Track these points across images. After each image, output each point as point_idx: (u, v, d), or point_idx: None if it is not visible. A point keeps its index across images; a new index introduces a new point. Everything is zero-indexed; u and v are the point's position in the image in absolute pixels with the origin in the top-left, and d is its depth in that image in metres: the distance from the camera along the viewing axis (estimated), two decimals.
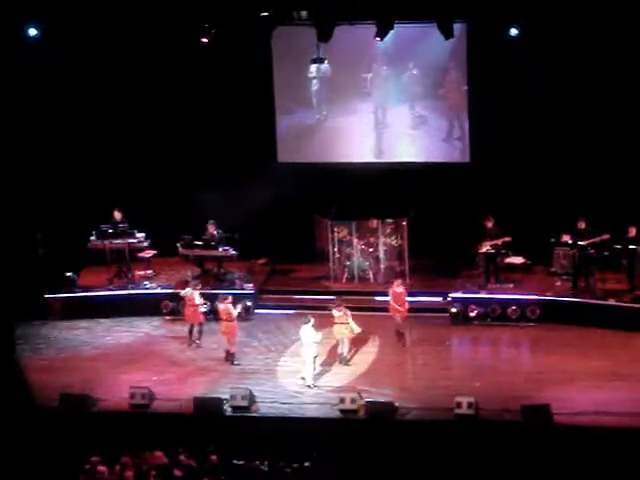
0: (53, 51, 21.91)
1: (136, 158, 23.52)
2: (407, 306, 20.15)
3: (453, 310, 21.15)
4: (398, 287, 20.10)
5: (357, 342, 19.85)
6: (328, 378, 18.91)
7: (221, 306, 19.68)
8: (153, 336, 21.31)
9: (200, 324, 20.46)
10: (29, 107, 22.44)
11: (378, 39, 21.33)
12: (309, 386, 18.52)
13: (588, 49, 21.08)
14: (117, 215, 22.64)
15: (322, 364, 19.24)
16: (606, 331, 20.20)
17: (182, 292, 20.64)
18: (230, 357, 19.70)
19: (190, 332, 20.55)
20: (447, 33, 20.80)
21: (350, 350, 19.59)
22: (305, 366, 18.69)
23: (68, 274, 22.42)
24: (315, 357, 18.77)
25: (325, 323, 19.39)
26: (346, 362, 19.42)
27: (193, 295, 20.39)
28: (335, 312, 19.30)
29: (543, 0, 20.28)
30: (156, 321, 21.93)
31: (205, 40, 21.68)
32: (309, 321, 18.69)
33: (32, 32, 21.65)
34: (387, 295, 20.39)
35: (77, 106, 23.12)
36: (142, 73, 23.06)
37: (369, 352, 19.94)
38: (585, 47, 21.06)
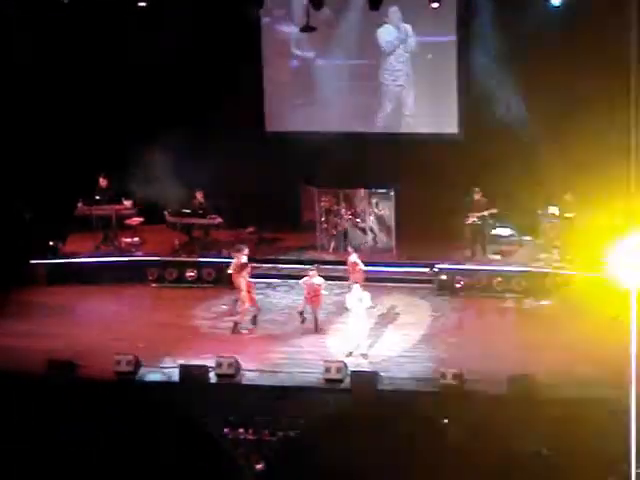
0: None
1: (123, 125, 23.43)
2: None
3: (442, 277, 21.20)
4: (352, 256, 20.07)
5: (338, 312, 19.89)
6: (316, 348, 18.99)
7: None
8: (139, 303, 21.29)
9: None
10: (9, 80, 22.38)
11: None
12: (363, 355, 18.32)
13: (575, 21, 21.13)
14: (103, 182, 22.58)
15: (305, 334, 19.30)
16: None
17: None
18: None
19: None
20: None
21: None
22: (354, 337, 18.46)
23: (51, 242, 22.35)
24: (364, 327, 18.56)
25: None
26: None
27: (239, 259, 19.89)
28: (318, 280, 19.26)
29: None
30: (142, 288, 21.93)
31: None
32: (357, 289, 18.46)
33: None
34: (369, 265, 20.47)
35: (60, 75, 23.01)
36: (122, 39, 22.94)
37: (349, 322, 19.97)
38: (572, 19, 21.10)
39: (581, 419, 15.66)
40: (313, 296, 19.33)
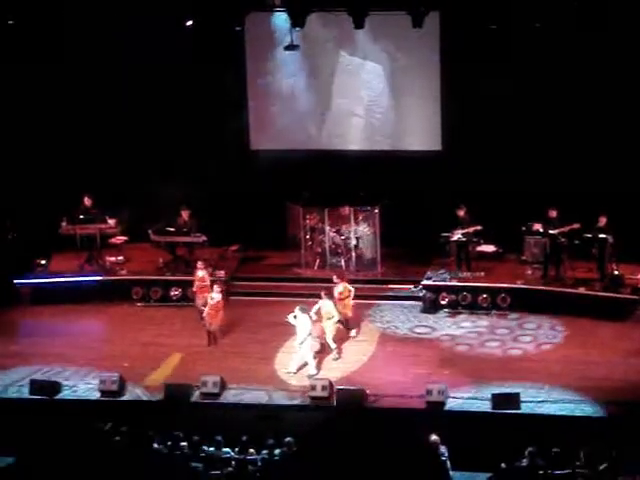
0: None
1: (107, 143, 23.44)
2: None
3: (427, 294, 21.20)
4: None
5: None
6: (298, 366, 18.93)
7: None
8: (124, 322, 21.23)
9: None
10: None
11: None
12: (290, 372, 18.37)
13: (559, 40, 21.24)
14: (87, 201, 22.52)
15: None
16: (576, 319, 20.35)
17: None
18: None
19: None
20: (417, 22, 20.77)
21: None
22: (302, 358, 18.48)
23: (42, 262, 22.30)
24: (307, 348, 18.54)
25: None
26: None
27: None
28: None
29: None
30: (127, 307, 21.87)
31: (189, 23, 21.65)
32: (305, 310, 18.47)
33: None
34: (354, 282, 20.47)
35: (47, 93, 23.01)
36: (117, 58, 22.97)
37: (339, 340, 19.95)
38: (556, 38, 21.21)
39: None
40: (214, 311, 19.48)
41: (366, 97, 23.54)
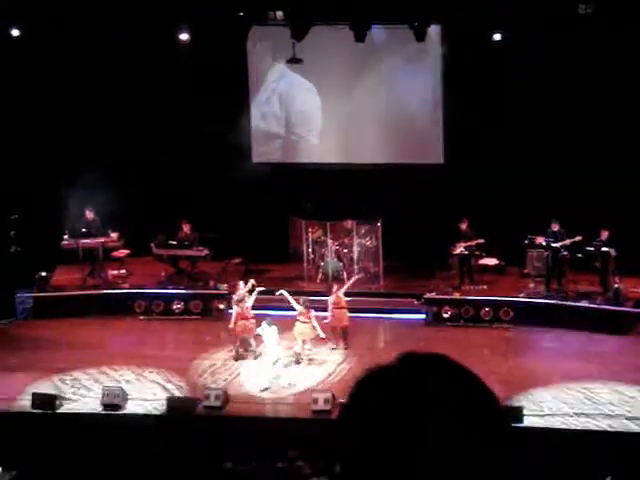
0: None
1: (109, 156, 23.45)
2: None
3: (430, 307, 21.19)
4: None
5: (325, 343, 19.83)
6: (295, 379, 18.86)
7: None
8: (126, 336, 21.21)
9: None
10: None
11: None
12: (266, 388, 18.27)
13: (562, 54, 21.27)
14: (89, 215, 22.52)
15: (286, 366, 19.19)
16: (578, 333, 20.31)
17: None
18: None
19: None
20: (419, 36, 20.81)
21: (309, 349, 19.40)
22: (265, 369, 18.48)
23: (43, 274, 22.31)
24: (275, 361, 18.54)
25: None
26: (299, 360, 19.18)
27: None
28: (298, 307, 19.10)
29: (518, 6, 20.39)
30: (129, 321, 21.85)
31: (185, 37, 21.73)
32: (271, 322, 18.47)
33: None
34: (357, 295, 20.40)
35: (48, 102, 23.06)
36: (118, 70, 23.03)
37: (338, 353, 19.90)
38: (559, 52, 21.25)
39: None
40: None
41: (368, 110, 23.52)
